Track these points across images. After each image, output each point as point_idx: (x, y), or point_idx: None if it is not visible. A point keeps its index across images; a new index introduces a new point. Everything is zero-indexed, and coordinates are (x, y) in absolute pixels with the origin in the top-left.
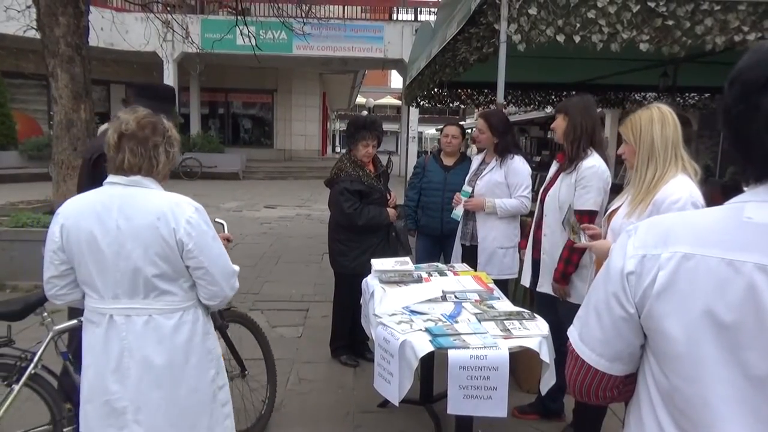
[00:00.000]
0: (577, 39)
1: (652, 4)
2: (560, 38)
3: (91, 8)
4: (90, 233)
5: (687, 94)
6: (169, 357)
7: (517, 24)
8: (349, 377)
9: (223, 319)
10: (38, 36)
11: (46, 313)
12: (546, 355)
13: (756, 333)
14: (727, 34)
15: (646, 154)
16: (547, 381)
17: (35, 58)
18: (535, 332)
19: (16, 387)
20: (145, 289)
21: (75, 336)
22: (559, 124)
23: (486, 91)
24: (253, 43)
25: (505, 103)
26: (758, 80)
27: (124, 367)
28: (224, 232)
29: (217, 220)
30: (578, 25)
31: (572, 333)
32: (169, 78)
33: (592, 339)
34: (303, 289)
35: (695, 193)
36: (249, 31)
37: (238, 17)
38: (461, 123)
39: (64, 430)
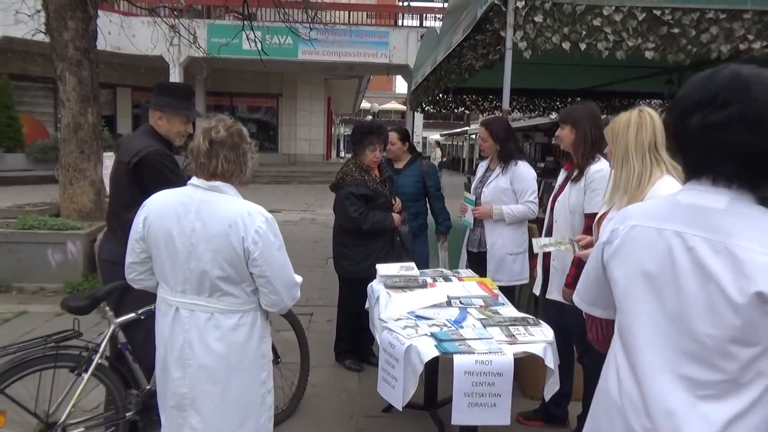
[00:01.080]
0: (582, 46)
1: (658, 12)
2: (566, 45)
3: (99, 12)
4: (168, 231)
5: None
6: (225, 355)
7: (523, 31)
8: (353, 382)
9: None
10: (47, 39)
11: (108, 307)
12: (550, 361)
13: (670, 280)
14: (732, 43)
15: (620, 156)
16: (551, 387)
17: (42, 61)
18: (539, 338)
19: (85, 376)
20: (210, 289)
21: (132, 328)
22: (566, 134)
23: (491, 96)
24: (259, 48)
25: (510, 109)
26: (688, 106)
27: (185, 356)
28: None
29: None
30: (584, 32)
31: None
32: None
33: (580, 290)
34: (307, 293)
35: None
36: (255, 36)
37: (245, 22)
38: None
39: (127, 414)
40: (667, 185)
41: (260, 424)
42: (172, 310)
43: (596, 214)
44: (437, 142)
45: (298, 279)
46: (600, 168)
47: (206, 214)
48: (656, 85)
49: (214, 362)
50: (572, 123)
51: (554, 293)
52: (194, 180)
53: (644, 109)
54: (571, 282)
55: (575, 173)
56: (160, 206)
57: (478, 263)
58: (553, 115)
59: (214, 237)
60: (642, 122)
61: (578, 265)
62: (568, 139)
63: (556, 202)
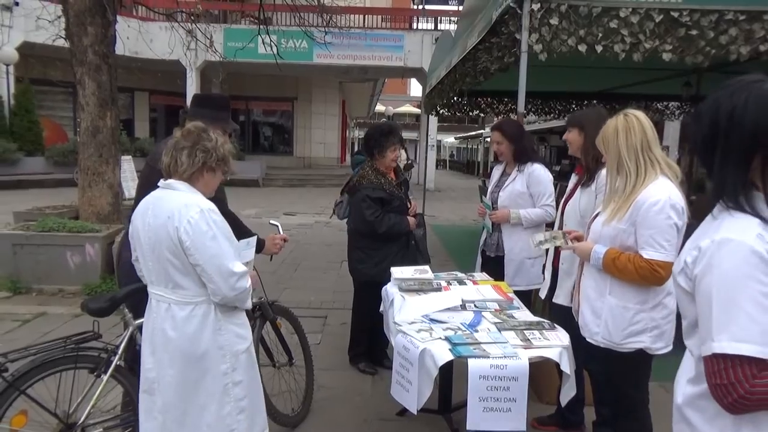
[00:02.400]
0: (599, 49)
1: (676, 14)
2: (582, 48)
3: (118, 18)
4: (137, 228)
5: None
6: (179, 343)
7: (538, 34)
8: (367, 385)
9: (273, 312)
10: (67, 45)
11: (126, 309)
12: (566, 366)
13: None
14: (752, 44)
15: (614, 164)
16: (567, 392)
17: (63, 66)
18: (555, 343)
19: (105, 377)
20: (166, 280)
21: None
22: (575, 138)
23: (506, 99)
24: (275, 52)
25: (525, 112)
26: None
27: (153, 343)
28: (279, 233)
29: (271, 222)
30: (600, 34)
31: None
32: (192, 86)
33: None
34: (322, 296)
35: (675, 195)
36: (271, 40)
37: (261, 26)
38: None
39: None
40: (660, 187)
41: (224, 414)
42: (148, 301)
43: None
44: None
45: (238, 269)
46: None
47: (156, 209)
48: (674, 87)
49: (170, 349)
50: (580, 126)
51: (561, 297)
52: (160, 182)
53: (629, 112)
54: None
55: (585, 177)
56: (138, 208)
57: (495, 267)
58: None
59: (158, 229)
60: (629, 125)
61: None
62: (576, 143)
63: (567, 206)
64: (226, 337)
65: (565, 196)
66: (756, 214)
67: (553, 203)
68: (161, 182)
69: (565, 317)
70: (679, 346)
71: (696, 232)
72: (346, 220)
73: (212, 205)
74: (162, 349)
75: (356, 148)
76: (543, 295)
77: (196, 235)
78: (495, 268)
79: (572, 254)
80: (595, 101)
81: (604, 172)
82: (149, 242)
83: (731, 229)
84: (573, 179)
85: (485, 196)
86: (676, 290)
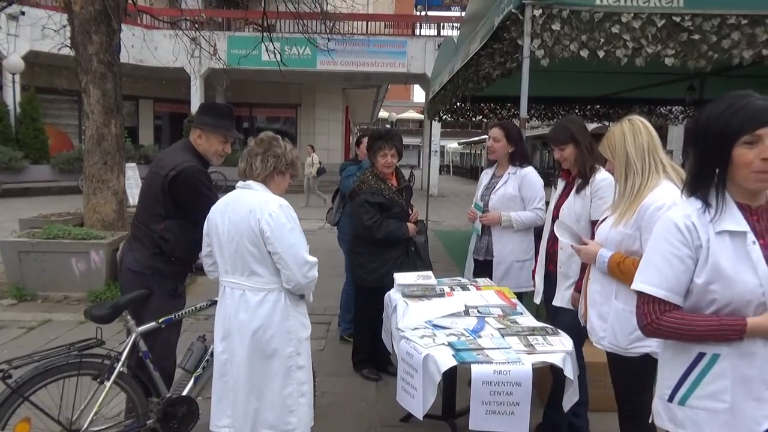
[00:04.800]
0: (601, 54)
1: (678, 19)
2: (584, 53)
3: (123, 26)
4: (215, 223)
5: None
6: (251, 325)
7: (540, 39)
8: (371, 391)
9: None
10: (72, 53)
11: (129, 316)
12: (570, 371)
13: None
14: (754, 48)
15: (623, 167)
16: (571, 397)
17: (68, 74)
18: (559, 348)
19: (108, 384)
20: (242, 268)
21: (153, 337)
22: (571, 152)
23: (509, 105)
24: (278, 59)
25: (528, 117)
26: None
27: (225, 329)
28: None
29: None
30: (602, 40)
31: None
32: (196, 93)
33: None
34: (326, 302)
35: (679, 200)
36: (274, 47)
37: (264, 34)
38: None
39: (147, 422)
40: (665, 191)
41: (285, 394)
42: (221, 289)
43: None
44: (311, 146)
45: (311, 259)
46: (605, 176)
47: (236, 205)
48: (677, 91)
49: (243, 331)
50: (574, 140)
51: (558, 300)
52: (238, 183)
53: (633, 117)
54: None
55: (579, 182)
56: (215, 206)
57: (485, 271)
58: None
59: (239, 222)
60: (635, 129)
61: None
62: (573, 157)
63: (561, 210)
64: (293, 322)
65: (556, 201)
66: (703, 199)
67: (544, 207)
68: (239, 183)
69: (553, 317)
70: None
71: None
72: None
73: (287, 202)
74: (235, 332)
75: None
76: (538, 300)
77: (277, 226)
78: (485, 272)
79: (568, 258)
80: (598, 106)
81: (598, 176)
82: (228, 235)
83: (671, 209)
84: (560, 184)
85: (477, 200)
86: None
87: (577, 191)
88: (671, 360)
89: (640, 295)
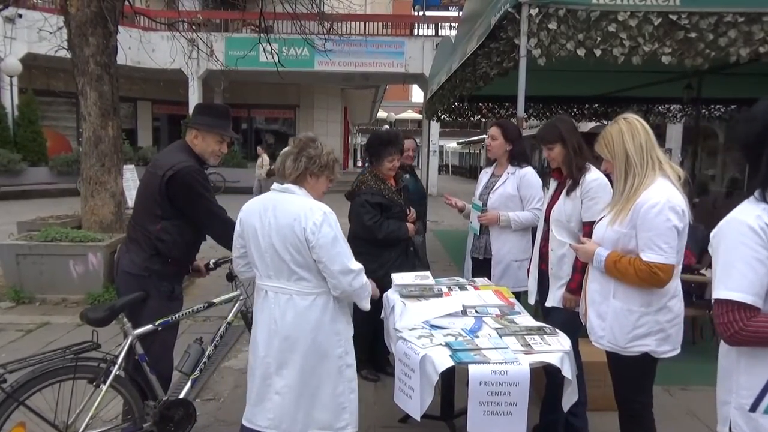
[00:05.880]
0: (597, 53)
1: (674, 17)
2: (581, 52)
3: (119, 28)
4: (253, 226)
5: (713, 106)
6: (302, 329)
7: (537, 38)
8: (369, 392)
9: None
10: (69, 55)
11: (126, 319)
12: (568, 371)
13: None
14: (751, 46)
15: (622, 166)
16: (570, 397)
17: (65, 76)
18: (556, 347)
19: (104, 387)
20: (288, 274)
21: (150, 340)
22: (559, 152)
23: (507, 104)
24: (276, 60)
25: (525, 116)
26: None
27: (270, 331)
28: None
29: None
30: (599, 38)
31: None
32: (194, 95)
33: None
34: None
35: (674, 198)
36: (272, 48)
37: (262, 35)
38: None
39: (144, 425)
40: (659, 189)
41: (337, 392)
42: (262, 293)
43: (594, 222)
44: (261, 147)
45: (355, 267)
46: (596, 177)
47: (277, 210)
48: (675, 90)
49: (293, 335)
50: (561, 140)
51: (550, 300)
52: (275, 185)
53: (628, 115)
54: (576, 288)
55: (569, 184)
56: (249, 208)
57: (483, 271)
58: None
59: (283, 228)
60: (632, 127)
61: (581, 270)
62: (561, 157)
63: (552, 211)
64: (342, 325)
65: (548, 202)
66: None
67: (542, 207)
68: (275, 185)
69: (546, 317)
70: (686, 349)
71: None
72: None
73: (329, 209)
74: (283, 335)
75: (359, 154)
76: (532, 301)
77: (321, 235)
78: (483, 270)
79: (559, 259)
80: (596, 105)
81: (588, 177)
82: (269, 240)
83: (738, 211)
84: (553, 184)
85: (475, 200)
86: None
87: (567, 193)
88: (749, 369)
89: (722, 303)
